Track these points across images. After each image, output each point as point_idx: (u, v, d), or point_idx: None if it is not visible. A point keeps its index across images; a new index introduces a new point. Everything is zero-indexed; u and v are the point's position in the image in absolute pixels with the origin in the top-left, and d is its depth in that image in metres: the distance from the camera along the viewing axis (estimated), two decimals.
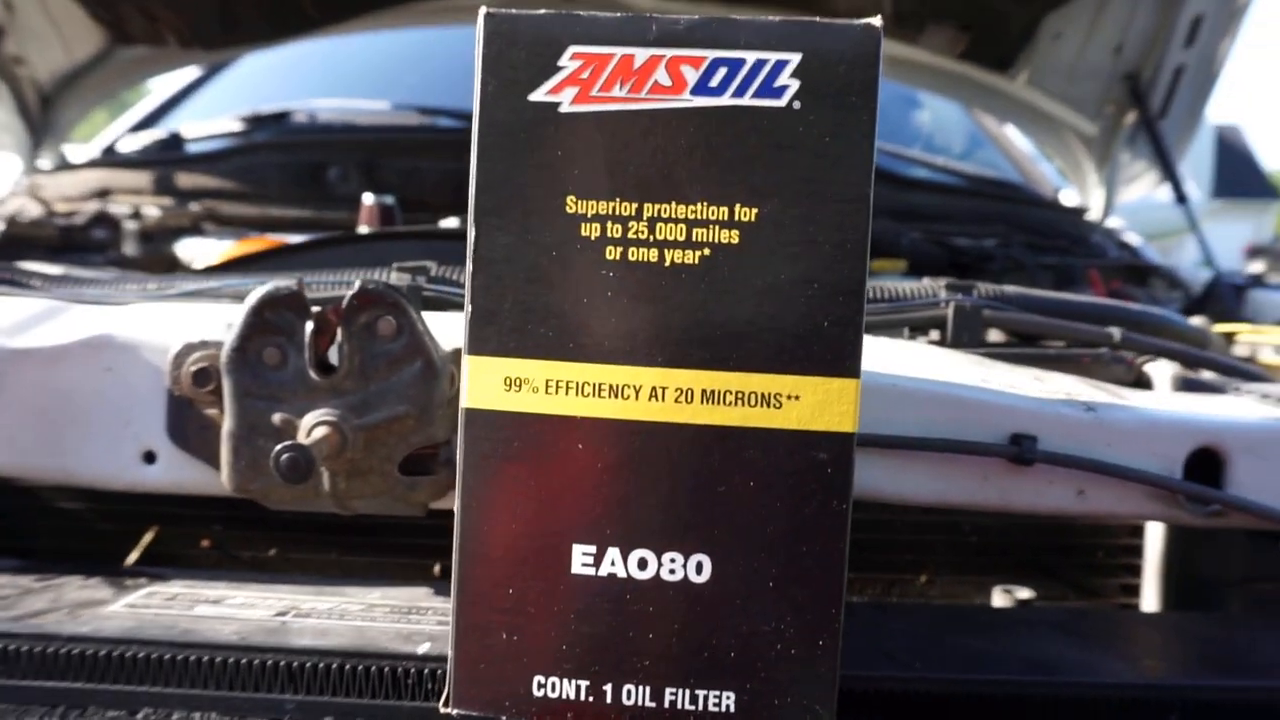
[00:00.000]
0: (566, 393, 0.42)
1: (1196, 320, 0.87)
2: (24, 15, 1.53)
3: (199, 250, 1.46)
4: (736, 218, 0.41)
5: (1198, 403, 0.61)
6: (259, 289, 0.57)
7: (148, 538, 0.73)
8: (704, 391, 0.41)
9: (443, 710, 0.43)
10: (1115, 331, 0.72)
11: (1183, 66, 1.56)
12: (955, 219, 1.56)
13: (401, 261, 0.80)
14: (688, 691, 0.42)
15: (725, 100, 0.41)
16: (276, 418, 0.58)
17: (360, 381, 0.58)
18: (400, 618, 0.55)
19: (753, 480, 0.41)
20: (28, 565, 0.62)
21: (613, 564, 0.42)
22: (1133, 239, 1.70)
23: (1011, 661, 0.52)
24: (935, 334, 0.77)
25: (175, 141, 1.75)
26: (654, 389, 0.41)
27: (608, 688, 0.42)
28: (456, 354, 0.60)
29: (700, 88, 0.41)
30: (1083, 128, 1.71)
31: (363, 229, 1.38)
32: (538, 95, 0.41)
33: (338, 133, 1.74)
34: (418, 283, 0.73)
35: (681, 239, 0.41)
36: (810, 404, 0.41)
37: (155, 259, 1.51)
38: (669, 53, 0.41)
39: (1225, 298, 1.29)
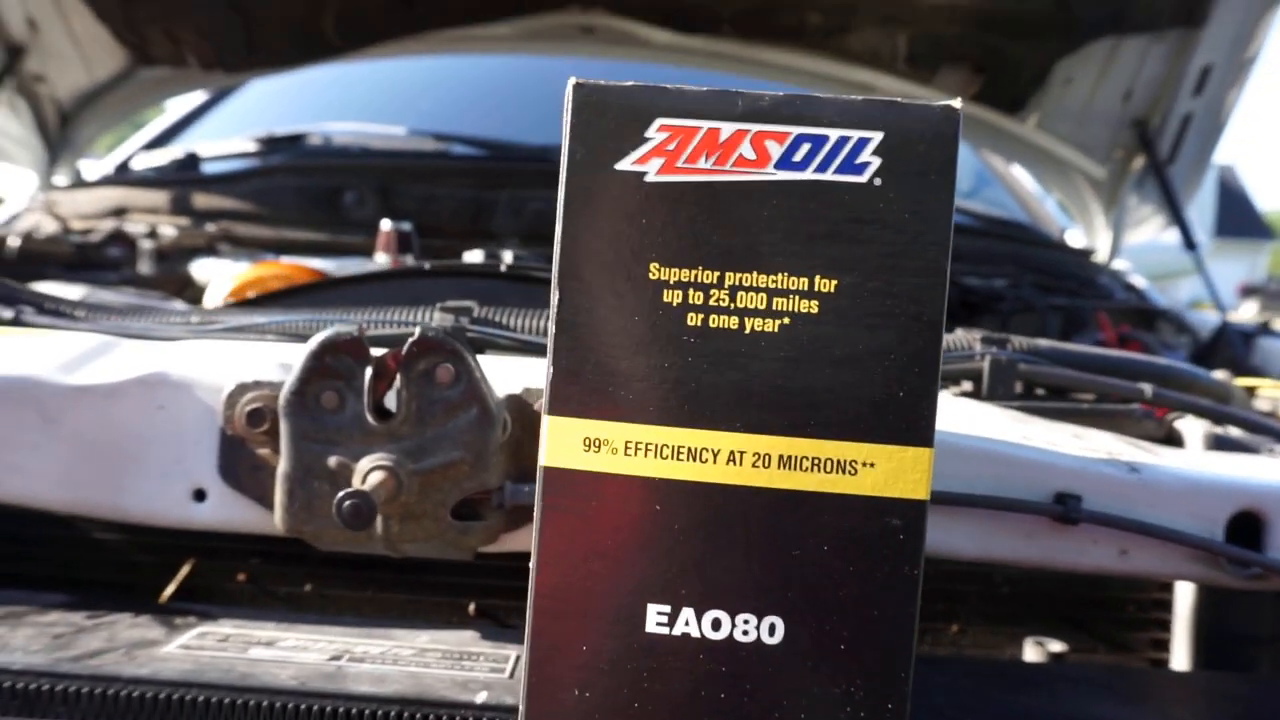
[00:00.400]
0: (645, 454, 0.42)
1: (1219, 374, 0.89)
2: (47, 34, 1.54)
3: (214, 271, 1.47)
4: (816, 288, 0.42)
5: (1236, 464, 0.62)
6: (319, 334, 0.58)
7: (184, 571, 0.74)
8: (781, 457, 0.42)
9: None
10: (1147, 387, 0.73)
11: (1191, 114, 1.59)
12: (965, 258, 1.57)
13: (428, 295, 0.81)
14: None
15: (808, 175, 0.42)
16: (332, 461, 0.58)
17: (417, 427, 0.58)
18: (454, 663, 0.55)
19: (827, 544, 0.42)
20: (75, 600, 0.62)
21: (687, 624, 0.43)
22: (1139, 281, 1.73)
23: None
24: (967, 385, 0.78)
25: (191, 161, 1.76)
26: (732, 453, 0.42)
27: None
28: (509, 400, 0.61)
29: (784, 162, 0.42)
30: (1091, 171, 1.74)
31: (381, 255, 1.39)
32: (624, 164, 0.43)
33: (354, 157, 1.75)
34: (461, 324, 0.74)
35: (762, 308, 0.42)
36: (885, 471, 0.42)
37: (171, 279, 1.51)
38: (754, 127, 0.42)
39: (1234, 345, 1.30)
